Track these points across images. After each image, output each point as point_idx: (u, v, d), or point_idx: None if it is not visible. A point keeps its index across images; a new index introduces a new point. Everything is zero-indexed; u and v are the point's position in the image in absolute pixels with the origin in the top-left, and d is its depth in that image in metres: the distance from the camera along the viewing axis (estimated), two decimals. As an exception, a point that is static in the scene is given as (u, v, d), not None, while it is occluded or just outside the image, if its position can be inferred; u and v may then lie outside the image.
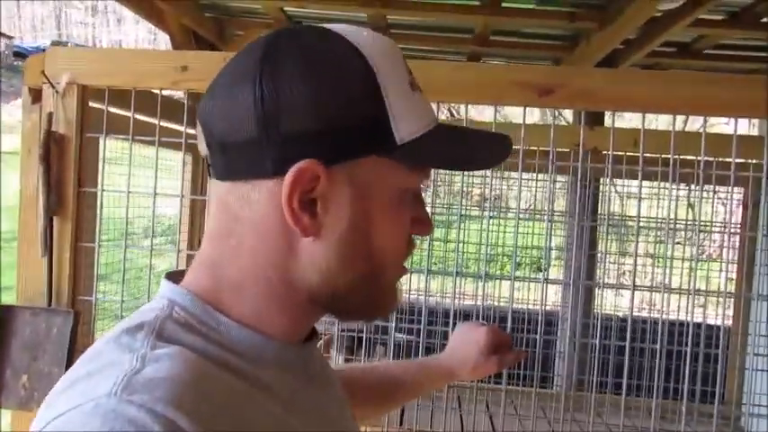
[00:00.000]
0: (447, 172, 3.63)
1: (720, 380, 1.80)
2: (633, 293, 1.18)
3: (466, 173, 3.35)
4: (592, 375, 2.20)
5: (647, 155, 2.03)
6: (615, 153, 2.31)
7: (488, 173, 2.83)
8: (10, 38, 21.15)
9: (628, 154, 2.20)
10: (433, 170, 0.58)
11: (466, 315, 3.46)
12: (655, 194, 3.23)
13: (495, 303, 3.46)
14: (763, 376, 2.12)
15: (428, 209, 0.61)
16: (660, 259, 3.31)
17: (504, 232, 3.92)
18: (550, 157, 1.26)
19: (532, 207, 4.43)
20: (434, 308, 3.56)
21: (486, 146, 0.58)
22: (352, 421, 0.65)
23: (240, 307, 0.53)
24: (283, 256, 0.52)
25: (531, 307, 3.71)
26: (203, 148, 0.54)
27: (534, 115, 8.75)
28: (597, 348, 2.60)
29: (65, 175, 1.18)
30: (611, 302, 3.99)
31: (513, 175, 3.48)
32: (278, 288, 0.53)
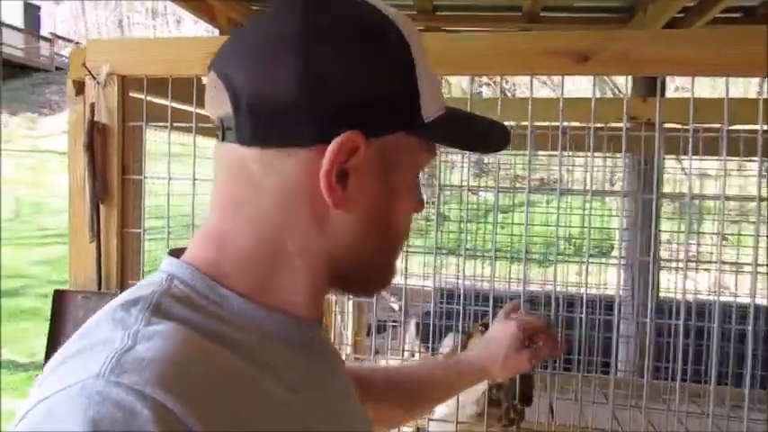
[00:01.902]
0: (504, 158, 3.58)
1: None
2: (685, 273, 1.11)
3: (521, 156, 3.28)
4: (649, 360, 2.10)
5: (708, 125, 1.92)
6: (665, 125, 2.19)
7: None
8: (77, 43, 22.23)
9: (683, 126, 2.08)
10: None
11: (510, 299, 3.40)
12: (722, 169, 3.06)
13: (538, 288, 3.38)
14: None
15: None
16: (729, 239, 3.14)
17: (566, 214, 3.82)
18: (590, 131, 1.20)
19: (587, 188, 4.28)
20: (482, 292, 3.50)
21: (490, 131, 0.59)
22: (360, 404, 0.64)
23: (247, 279, 0.51)
24: (307, 227, 0.51)
25: (592, 291, 3.61)
26: (217, 109, 0.51)
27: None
28: (658, 332, 2.50)
29: (109, 163, 1.22)
30: (679, 285, 3.82)
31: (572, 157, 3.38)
32: (295, 260, 0.52)
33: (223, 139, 0.51)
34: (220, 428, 0.41)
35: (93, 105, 1.21)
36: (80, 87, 1.23)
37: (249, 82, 0.48)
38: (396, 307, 3.79)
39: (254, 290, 0.51)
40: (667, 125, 2.35)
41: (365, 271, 0.55)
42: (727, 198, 1.10)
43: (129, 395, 0.38)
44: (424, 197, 0.59)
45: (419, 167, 0.56)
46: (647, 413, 2.60)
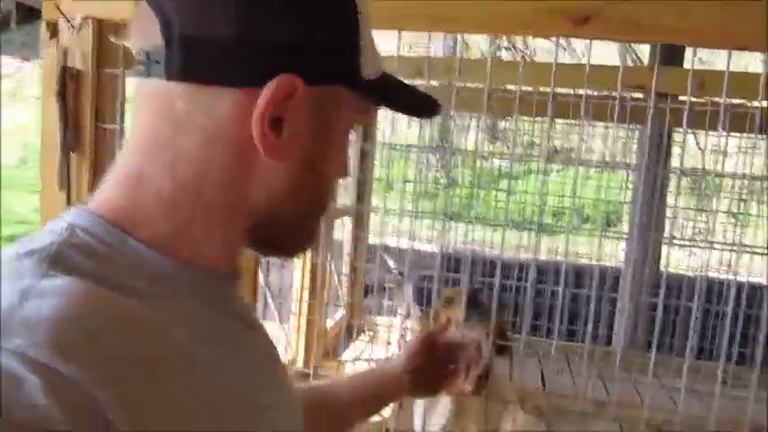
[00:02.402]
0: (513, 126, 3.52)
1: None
2: (669, 246, 1.06)
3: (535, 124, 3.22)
4: (639, 334, 2.08)
5: (716, 99, 1.84)
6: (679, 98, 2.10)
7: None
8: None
9: (698, 99, 2.00)
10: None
11: (508, 267, 3.39)
12: (741, 147, 2.98)
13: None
14: None
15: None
16: (739, 217, 3.07)
17: (570, 184, 3.76)
18: (583, 98, 1.13)
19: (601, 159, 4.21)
20: (481, 258, 3.48)
21: (423, 99, 0.58)
22: (283, 368, 0.61)
23: (161, 227, 0.48)
24: (233, 174, 0.48)
25: (589, 262, 3.58)
26: (144, 41, 0.47)
27: (614, 57, 8.21)
28: (655, 307, 2.47)
29: (82, 111, 1.18)
30: (683, 261, 3.79)
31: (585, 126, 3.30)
32: (216, 209, 0.48)
33: (148, 75, 0.47)
34: (123, 385, 0.38)
35: (66, 50, 1.16)
36: (54, 30, 1.18)
37: (184, 13, 0.45)
38: (394, 269, 3.79)
39: (166, 239, 0.48)
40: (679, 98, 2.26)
41: (287, 229, 0.53)
42: (719, 175, 1.04)
43: (9, 359, 0.34)
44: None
45: (352, 127, 0.54)
46: (637, 385, 2.60)
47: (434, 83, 2.16)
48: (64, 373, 0.35)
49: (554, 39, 1.19)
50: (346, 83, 0.50)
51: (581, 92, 2.14)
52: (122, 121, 1.23)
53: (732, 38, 1.00)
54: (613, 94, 2.03)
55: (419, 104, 0.58)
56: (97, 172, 1.21)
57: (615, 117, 1.08)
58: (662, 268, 3.09)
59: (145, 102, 0.48)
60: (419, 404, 1.45)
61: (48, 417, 0.33)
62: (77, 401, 0.35)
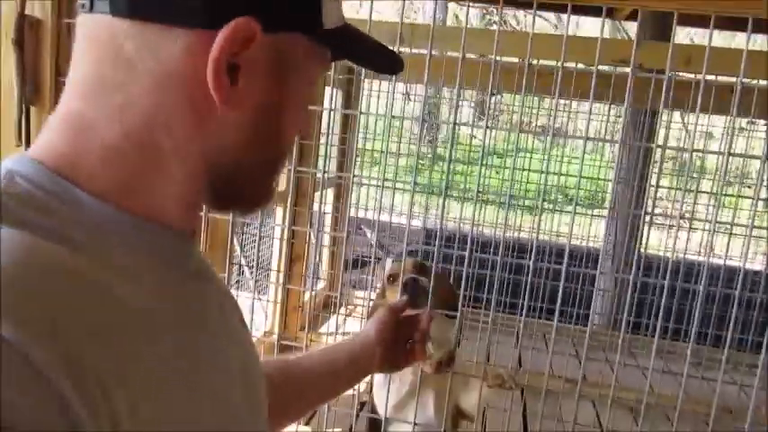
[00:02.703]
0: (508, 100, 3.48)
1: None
2: (649, 226, 1.03)
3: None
4: (621, 314, 2.08)
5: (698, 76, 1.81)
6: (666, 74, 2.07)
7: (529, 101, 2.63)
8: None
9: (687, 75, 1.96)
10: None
11: (484, 244, 3.39)
12: (725, 128, 2.96)
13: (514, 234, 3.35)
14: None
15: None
16: (720, 198, 3.07)
17: (562, 162, 3.75)
18: (560, 68, 1.09)
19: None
20: (458, 234, 3.45)
21: (385, 53, 0.57)
22: (248, 332, 0.59)
23: (108, 177, 0.45)
24: (185, 123, 0.45)
25: (576, 243, 3.58)
26: None
27: (605, 32, 8.16)
28: (636, 288, 2.48)
29: (41, 63, 1.12)
30: (663, 242, 3.80)
31: (575, 105, 3.27)
32: (167, 160, 0.45)
33: (91, 9, 0.43)
34: (62, 342, 0.35)
35: (24, -3, 1.09)
36: (12, -25, 1.11)
37: None
38: (374, 243, 3.77)
39: (115, 190, 0.45)
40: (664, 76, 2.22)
41: (243, 184, 0.50)
42: (696, 150, 1.01)
43: None
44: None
45: (312, 78, 0.52)
46: (612, 365, 2.61)
47: (422, 51, 2.11)
48: (2, 334, 0.32)
49: (532, 9, 1.14)
50: (305, 31, 0.47)
51: (569, 65, 2.10)
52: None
53: (718, 3, 0.96)
54: (598, 68, 2.00)
55: (381, 59, 0.57)
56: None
57: (592, 92, 1.04)
58: (642, 248, 3.09)
59: (88, 41, 0.45)
60: (378, 378, 1.44)
61: None
62: (10, 361, 0.32)
